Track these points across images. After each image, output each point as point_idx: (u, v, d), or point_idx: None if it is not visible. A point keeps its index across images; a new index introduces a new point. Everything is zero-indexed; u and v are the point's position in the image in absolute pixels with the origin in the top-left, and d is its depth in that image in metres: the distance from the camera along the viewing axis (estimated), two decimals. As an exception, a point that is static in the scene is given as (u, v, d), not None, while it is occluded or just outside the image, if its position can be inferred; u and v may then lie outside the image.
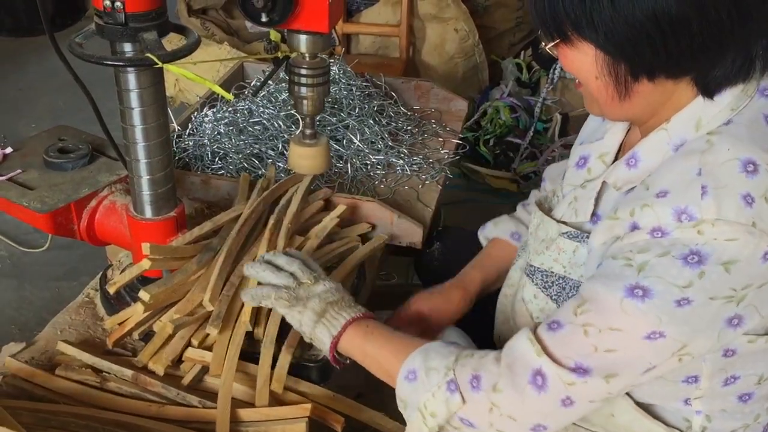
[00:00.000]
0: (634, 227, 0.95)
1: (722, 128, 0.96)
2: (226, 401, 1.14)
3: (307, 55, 1.14)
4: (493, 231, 1.46)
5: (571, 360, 0.96)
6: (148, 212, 1.31)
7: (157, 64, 1.11)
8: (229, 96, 1.20)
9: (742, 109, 0.97)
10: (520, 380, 0.97)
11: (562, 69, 3.29)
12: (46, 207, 1.33)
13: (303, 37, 1.12)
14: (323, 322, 1.13)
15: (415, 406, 1.04)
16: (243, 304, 1.24)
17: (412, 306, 1.36)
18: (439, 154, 1.90)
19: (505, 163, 3.06)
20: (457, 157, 1.90)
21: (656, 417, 1.08)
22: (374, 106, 1.96)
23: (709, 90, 0.97)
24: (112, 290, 1.28)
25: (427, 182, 1.79)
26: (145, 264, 1.26)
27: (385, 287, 2.23)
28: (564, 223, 1.14)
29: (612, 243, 0.99)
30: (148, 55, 1.11)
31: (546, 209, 1.22)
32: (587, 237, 1.09)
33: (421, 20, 3.22)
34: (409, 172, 1.80)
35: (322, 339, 1.14)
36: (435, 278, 1.64)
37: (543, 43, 1.02)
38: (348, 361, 1.16)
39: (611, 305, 0.93)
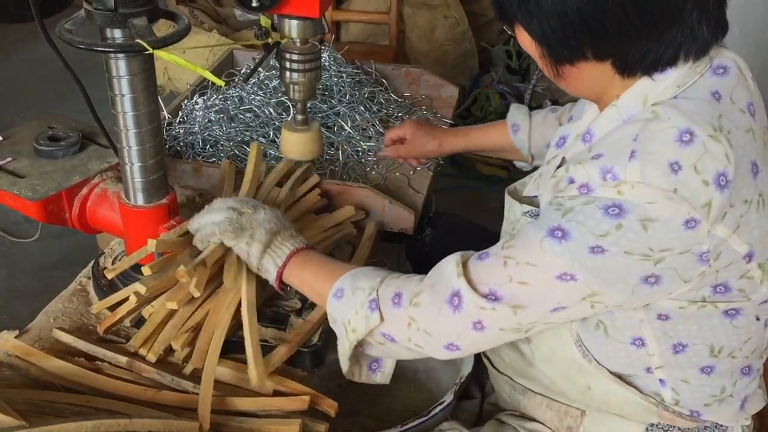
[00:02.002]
0: (571, 181, 0.99)
1: (668, 101, 0.99)
2: (208, 386, 1.15)
3: (297, 40, 1.14)
4: (508, 114, 1.62)
5: (486, 286, 1.00)
6: (140, 199, 1.31)
7: (148, 50, 1.10)
8: (220, 82, 1.21)
9: (689, 87, 0.99)
10: (439, 298, 1.03)
11: (551, 55, 3.31)
12: (37, 195, 1.33)
13: (294, 22, 1.12)
14: (269, 252, 1.19)
15: (341, 321, 1.11)
16: (229, 298, 1.25)
17: (402, 127, 1.65)
18: (430, 141, 1.90)
19: (495, 150, 3.06)
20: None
21: (631, 385, 1.11)
22: (365, 93, 1.96)
23: (647, 69, 1.00)
24: (110, 275, 1.28)
25: (418, 168, 1.79)
26: (147, 249, 1.26)
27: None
28: (528, 201, 1.18)
29: (554, 198, 1.03)
30: (138, 41, 1.10)
31: (518, 194, 1.25)
32: None
33: (411, 7, 3.21)
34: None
35: (268, 269, 1.19)
36: (426, 264, 1.65)
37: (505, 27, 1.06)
38: (289, 289, 1.23)
39: (533, 242, 0.98)
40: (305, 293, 1.21)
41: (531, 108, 3.13)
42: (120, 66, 1.19)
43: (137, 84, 1.21)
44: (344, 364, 1.14)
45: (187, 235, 1.33)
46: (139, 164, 1.28)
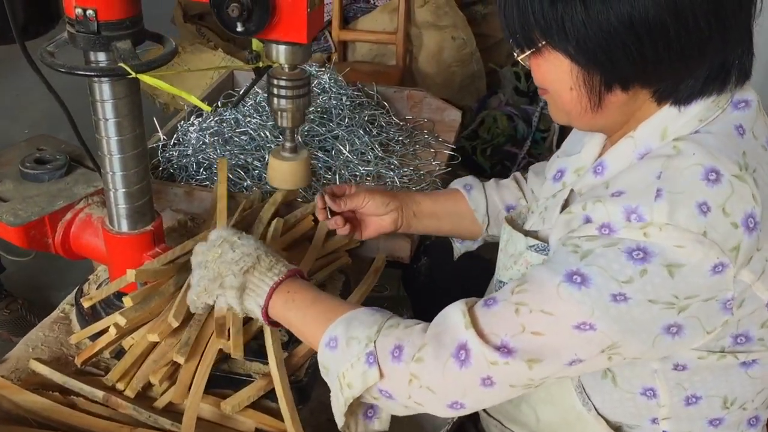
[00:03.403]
0: (587, 220, 0.93)
1: (690, 136, 0.93)
2: (190, 425, 1.11)
3: (286, 66, 1.10)
4: (453, 184, 1.45)
5: (498, 337, 0.92)
6: (124, 226, 1.27)
7: (131, 74, 1.07)
8: (207, 108, 1.17)
9: (712, 121, 0.94)
10: (444, 352, 0.94)
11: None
12: (19, 220, 1.29)
13: (281, 48, 1.08)
14: (247, 294, 1.11)
15: (335, 374, 1.01)
16: (214, 331, 1.20)
17: (354, 196, 1.34)
18: (431, 166, 1.86)
19: (502, 173, 3.02)
20: (448, 169, 1.86)
21: None
22: (365, 116, 1.92)
23: (680, 99, 0.95)
24: (87, 305, 1.24)
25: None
26: (127, 279, 1.22)
27: (377, 299, 2.19)
28: (534, 235, 1.11)
29: (566, 237, 0.97)
30: (121, 65, 1.07)
31: (518, 225, 1.19)
32: None
33: (419, 28, 3.18)
34: (399, 184, 1.76)
35: (253, 311, 1.12)
36: (422, 294, 1.61)
37: (515, 54, 0.99)
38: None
39: (548, 288, 0.90)
40: (295, 334, 1.12)
41: (539, 131, 3.13)
42: (104, 90, 1.15)
43: (121, 108, 1.17)
44: (339, 420, 1.04)
45: (173, 263, 1.29)
46: (124, 190, 1.24)
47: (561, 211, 1.06)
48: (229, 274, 1.10)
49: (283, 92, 1.12)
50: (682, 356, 0.95)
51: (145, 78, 1.09)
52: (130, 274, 1.17)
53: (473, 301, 0.98)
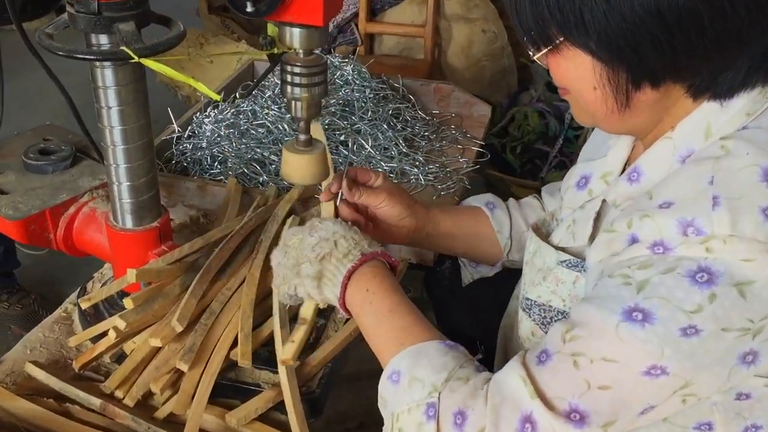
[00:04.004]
0: (633, 240, 0.82)
1: (738, 133, 0.83)
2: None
3: (300, 51, 1.01)
4: (471, 201, 1.32)
5: (564, 401, 0.81)
6: (129, 222, 1.19)
7: (133, 58, 0.99)
8: (217, 96, 1.08)
9: (761, 114, 0.84)
10: (507, 428, 0.82)
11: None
12: (18, 214, 1.22)
13: (296, 31, 0.99)
14: (325, 282, 1.02)
15: (390, 409, 0.92)
16: (221, 337, 1.12)
17: (374, 193, 1.18)
18: (458, 163, 1.76)
19: (532, 172, 2.90)
20: (476, 167, 1.76)
21: None
22: (389, 110, 1.82)
23: (719, 94, 0.84)
24: (85, 305, 1.17)
25: (443, 193, 1.65)
26: (127, 280, 1.14)
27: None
28: (563, 249, 1.00)
29: (609, 260, 0.86)
30: (123, 48, 0.99)
31: (543, 234, 1.08)
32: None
33: (448, 20, 3.07)
34: (423, 182, 1.66)
35: (333, 301, 1.03)
36: (445, 298, 1.51)
37: (531, 53, 0.88)
38: None
39: (605, 331, 0.80)
40: (365, 338, 1.01)
41: (572, 129, 3.01)
42: (106, 75, 1.08)
43: (125, 95, 1.09)
44: None
45: (179, 263, 1.21)
46: (128, 183, 1.16)
47: (594, 224, 0.96)
48: (305, 262, 1.02)
49: (297, 80, 1.02)
50: (747, 385, 0.84)
51: (149, 63, 1.01)
52: (131, 274, 1.09)
53: (523, 355, 0.87)
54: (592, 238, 0.96)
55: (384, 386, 0.93)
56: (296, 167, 1.10)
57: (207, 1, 3.42)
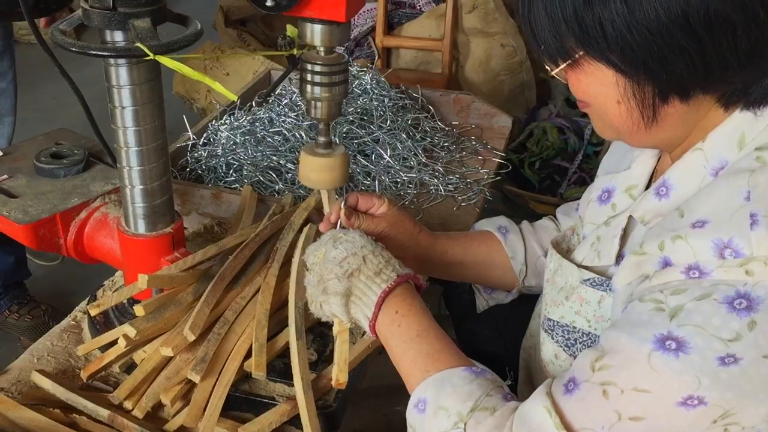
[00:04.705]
0: (666, 264, 0.77)
1: None
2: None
3: (321, 49, 0.97)
4: (482, 225, 1.26)
5: None
6: (141, 227, 1.15)
7: (148, 55, 0.95)
8: (232, 96, 1.04)
9: None
10: None
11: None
12: (27, 217, 1.18)
13: (317, 27, 0.95)
14: (354, 301, 0.97)
15: None
16: (234, 348, 1.07)
17: (375, 221, 1.11)
18: (478, 174, 1.72)
19: (551, 187, 2.86)
20: (497, 178, 1.71)
21: None
22: (408, 120, 1.78)
23: (752, 103, 0.79)
24: (94, 312, 1.13)
25: (463, 204, 1.61)
26: (138, 286, 1.10)
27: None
28: (586, 268, 0.95)
29: (639, 283, 0.81)
30: (138, 45, 0.95)
31: (564, 251, 1.03)
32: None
33: (466, 35, 3.04)
34: (443, 192, 1.62)
35: (361, 322, 0.98)
36: (464, 313, 1.45)
37: (548, 69, 0.84)
38: None
39: (637, 360, 0.75)
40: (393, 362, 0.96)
41: (591, 144, 2.96)
42: (120, 74, 1.04)
43: (140, 95, 1.06)
44: None
45: (193, 270, 1.17)
46: (141, 187, 1.12)
47: (621, 245, 0.91)
48: (332, 278, 0.96)
49: (317, 79, 0.98)
50: None
51: (165, 60, 0.98)
52: (142, 280, 1.05)
53: (550, 384, 0.83)
54: (619, 256, 0.91)
55: (411, 415, 0.90)
56: (314, 170, 1.06)
57: (224, 15, 3.42)
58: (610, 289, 0.90)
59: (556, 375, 0.93)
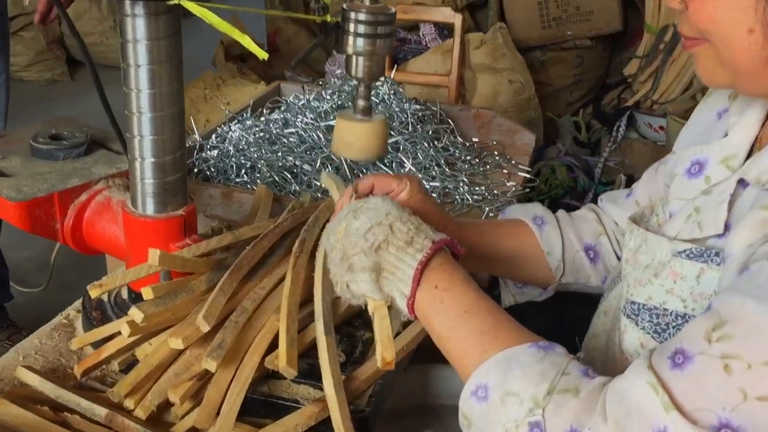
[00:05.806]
0: None
1: None
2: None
3: (367, -5, 0.87)
4: (514, 212, 1.13)
5: (712, 414, 0.64)
6: (150, 207, 1.02)
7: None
8: (263, 53, 0.93)
9: None
10: None
11: (627, 128, 3.03)
12: (21, 195, 1.05)
13: (364, -30, 0.85)
14: (386, 276, 0.84)
15: None
16: (255, 338, 0.93)
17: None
18: (505, 187, 1.61)
19: (561, 226, 2.75)
20: (526, 190, 1.60)
21: None
22: (428, 130, 1.68)
23: None
24: (95, 294, 0.98)
25: (491, 215, 1.49)
26: (148, 267, 0.96)
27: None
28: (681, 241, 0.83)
29: (763, 243, 0.69)
30: (161, -14, 0.85)
31: (652, 228, 0.91)
32: (717, 255, 0.78)
33: (473, 71, 2.99)
34: (471, 201, 1.50)
35: (397, 301, 0.84)
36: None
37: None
38: None
39: (765, 326, 0.62)
40: (438, 346, 0.84)
41: (602, 184, 2.87)
42: (137, 26, 0.93)
43: (158, 52, 0.95)
44: None
45: (207, 258, 1.04)
46: (152, 160, 1.00)
47: (728, 208, 0.79)
48: (357, 252, 0.84)
49: (361, 29, 0.88)
50: None
51: (190, 5, 0.87)
52: (153, 256, 0.91)
53: (649, 356, 0.70)
54: (726, 225, 0.79)
55: (467, 404, 0.77)
56: (350, 138, 0.94)
57: (224, 49, 3.36)
58: (711, 260, 0.78)
59: None
